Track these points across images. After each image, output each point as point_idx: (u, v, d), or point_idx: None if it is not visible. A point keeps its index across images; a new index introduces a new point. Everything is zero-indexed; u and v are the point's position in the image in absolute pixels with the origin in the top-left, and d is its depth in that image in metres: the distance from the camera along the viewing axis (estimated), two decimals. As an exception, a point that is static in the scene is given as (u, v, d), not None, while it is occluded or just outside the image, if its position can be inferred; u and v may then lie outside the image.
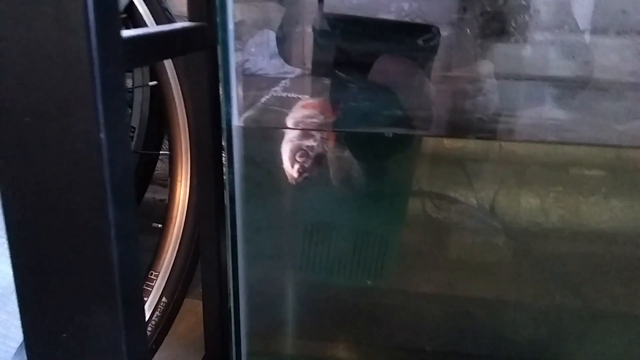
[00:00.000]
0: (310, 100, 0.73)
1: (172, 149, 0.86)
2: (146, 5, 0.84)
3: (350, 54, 0.74)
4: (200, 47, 0.62)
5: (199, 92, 0.66)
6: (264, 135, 0.71)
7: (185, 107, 0.84)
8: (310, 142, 0.63)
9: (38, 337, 0.40)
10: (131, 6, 0.84)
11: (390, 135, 0.67)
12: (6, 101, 0.34)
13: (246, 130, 0.63)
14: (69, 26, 0.32)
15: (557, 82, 0.78)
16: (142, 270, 0.83)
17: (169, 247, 0.85)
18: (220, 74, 0.58)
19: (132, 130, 1.04)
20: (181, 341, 0.97)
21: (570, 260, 0.77)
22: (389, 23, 0.75)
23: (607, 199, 0.73)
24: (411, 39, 0.72)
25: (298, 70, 0.81)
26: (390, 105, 0.74)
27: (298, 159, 0.61)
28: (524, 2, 0.72)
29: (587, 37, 0.74)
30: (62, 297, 0.39)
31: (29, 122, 0.35)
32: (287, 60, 0.81)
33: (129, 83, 1.03)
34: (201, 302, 0.76)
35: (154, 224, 0.90)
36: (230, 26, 0.55)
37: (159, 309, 0.84)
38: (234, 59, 0.57)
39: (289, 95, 0.76)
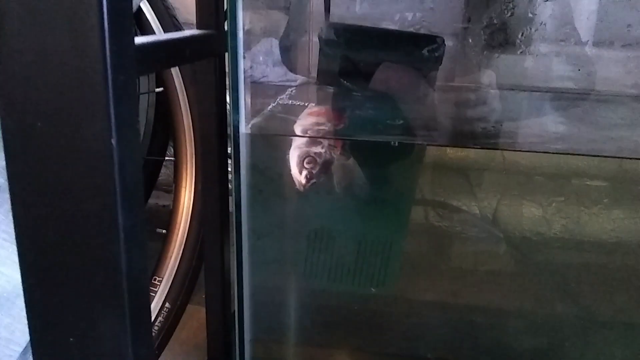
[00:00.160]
0: (317, 108, 0.73)
1: (177, 155, 0.86)
2: (154, 12, 0.84)
3: (355, 63, 0.74)
4: (209, 54, 0.63)
5: (206, 99, 0.66)
6: (271, 143, 0.72)
7: (190, 113, 0.84)
8: (317, 149, 0.63)
9: (45, 342, 0.41)
10: (139, 13, 0.84)
11: (396, 144, 0.67)
12: (19, 106, 0.35)
13: (253, 137, 0.63)
14: (83, 33, 0.33)
15: (560, 93, 0.78)
16: (149, 275, 0.83)
17: (172, 252, 0.85)
18: (229, 81, 0.58)
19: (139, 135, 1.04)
20: (184, 347, 0.97)
21: (572, 270, 0.77)
22: (395, 33, 0.75)
23: (610, 210, 0.74)
24: (416, 49, 0.73)
25: (301, 78, 0.82)
26: (394, 113, 0.75)
27: (306, 165, 0.62)
28: (530, 15, 0.73)
29: (591, 49, 0.75)
30: (69, 301, 0.39)
31: (41, 127, 0.35)
32: (290, 68, 0.81)
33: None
34: (203, 309, 0.76)
35: (158, 230, 0.90)
36: (240, 34, 0.56)
37: (162, 315, 0.84)
38: (242, 66, 0.58)
39: (295, 102, 0.76)
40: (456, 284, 0.80)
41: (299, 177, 0.62)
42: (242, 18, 0.57)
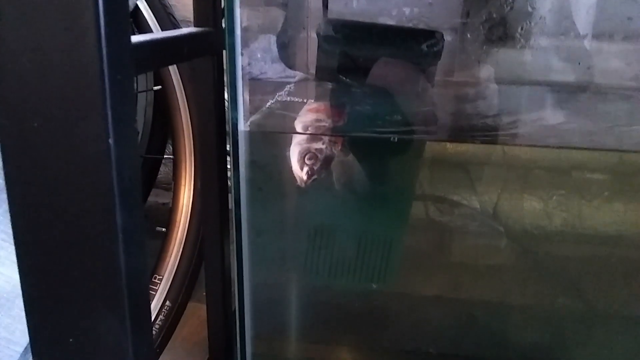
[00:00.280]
0: (316, 105, 0.73)
1: (175, 153, 0.86)
2: (151, 10, 0.84)
3: (354, 59, 0.74)
4: (207, 52, 0.63)
5: (204, 97, 0.66)
6: (269, 140, 0.72)
7: (189, 111, 0.84)
8: (318, 145, 0.63)
9: (45, 342, 0.40)
10: (136, 11, 0.84)
11: (395, 139, 0.67)
12: (16, 106, 0.35)
13: (252, 135, 0.63)
14: (80, 32, 0.33)
15: (560, 86, 0.78)
16: (148, 274, 0.83)
17: (172, 251, 0.85)
18: (227, 79, 0.58)
19: (136, 134, 1.04)
20: (185, 345, 0.97)
21: (573, 263, 0.77)
22: (393, 29, 0.75)
23: (611, 203, 0.73)
24: (415, 44, 0.73)
25: (299, 74, 0.81)
26: (393, 109, 0.74)
27: (307, 161, 0.62)
28: (529, 9, 0.72)
29: (591, 43, 0.74)
30: (68, 301, 0.39)
31: (38, 127, 0.35)
32: (288, 64, 0.81)
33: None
34: (204, 306, 0.76)
35: (158, 228, 0.90)
36: (238, 31, 0.55)
37: (162, 313, 0.84)
38: (240, 63, 0.57)
39: (293, 99, 0.76)
40: (457, 278, 0.80)
41: (300, 173, 0.62)
42: (239, 15, 0.56)
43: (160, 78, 0.86)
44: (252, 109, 0.65)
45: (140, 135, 1.05)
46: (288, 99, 0.76)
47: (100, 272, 0.38)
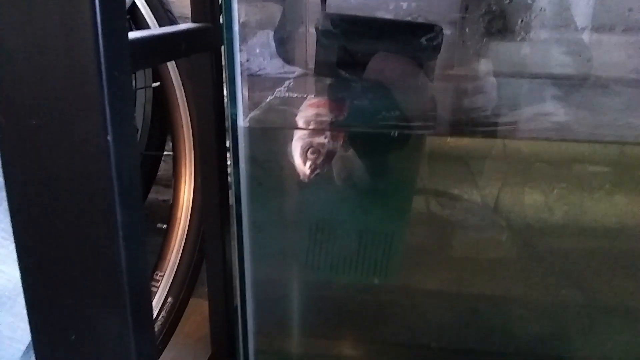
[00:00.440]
0: (316, 99, 0.73)
1: (175, 149, 0.86)
2: (148, 6, 0.84)
3: (353, 53, 0.74)
4: (205, 48, 0.63)
5: (203, 93, 0.66)
6: (269, 135, 0.71)
7: (188, 107, 0.84)
8: (320, 139, 0.63)
9: (46, 339, 0.41)
10: (133, 8, 0.84)
11: (395, 134, 0.67)
12: (13, 104, 0.34)
13: (251, 131, 0.63)
14: (77, 29, 0.33)
15: (561, 79, 0.78)
16: (149, 271, 0.83)
17: (173, 247, 0.85)
18: (226, 75, 0.58)
19: (135, 131, 1.04)
20: (187, 340, 0.98)
21: (575, 256, 0.77)
22: (392, 22, 0.75)
23: (612, 195, 0.73)
24: (414, 38, 0.72)
25: (298, 70, 0.81)
26: (392, 103, 0.74)
27: (310, 156, 0.61)
28: (528, 1, 0.72)
29: (591, 35, 0.74)
30: (70, 298, 0.39)
31: (36, 125, 0.35)
32: (286, 60, 0.81)
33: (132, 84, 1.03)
34: (206, 302, 0.76)
35: (159, 225, 0.90)
36: (236, 27, 0.55)
37: (164, 309, 0.84)
38: (239, 59, 0.57)
39: (292, 95, 0.76)
40: (459, 272, 0.80)
41: (303, 168, 0.62)
42: (237, 10, 0.56)
43: (159, 74, 0.86)
44: (251, 105, 0.65)
45: (139, 132, 1.05)
46: (287, 94, 0.76)
47: (101, 269, 0.38)
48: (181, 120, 0.84)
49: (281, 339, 0.82)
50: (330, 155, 0.64)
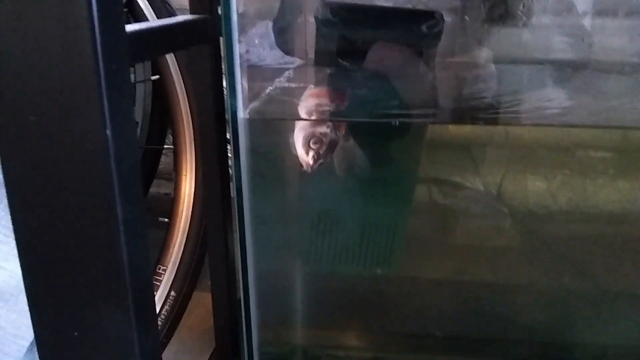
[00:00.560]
0: (317, 89, 0.72)
1: (176, 142, 0.86)
2: (146, -1, 0.83)
3: (353, 42, 0.73)
4: (203, 39, 0.62)
5: (203, 85, 0.65)
6: (270, 127, 0.71)
7: (188, 100, 0.84)
8: (323, 129, 0.62)
9: (49, 335, 0.40)
10: (131, 1, 0.83)
11: (397, 123, 0.67)
12: (10, 99, 0.34)
13: (251, 122, 0.62)
14: (73, 22, 0.32)
15: (564, 64, 0.77)
16: (151, 265, 0.83)
17: (176, 241, 0.85)
18: (225, 66, 0.58)
19: (135, 125, 1.03)
20: (191, 334, 0.98)
21: (579, 243, 0.77)
22: (392, 10, 0.74)
23: (615, 181, 0.73)
24: (415, 25, 0.72)
25: (298, 61, 0.81)
26: (393, 92, 0.74)
27: (312, 145, 0.61)
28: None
29: (594, 19, 0.73)
30: (72, 294, 0.39)
31: (33, 121, 0.34)
32: (286, 50, 0.80)
33: (131, 78, 1.02)
34: (209, 294, 0.76)
35: (161, 218, 0.90)
36: (234, 18, 0.55)
37: (168, 303, 0.84)
38: (238, 50, 0.57)
39: (292, 85, 0.75)
40: (462, 260, 0.80)
41: (306, 158, 0.61)
42: (235, 1, 0.56)
43: (158, 67, 0.85)
44: (251, 96, 0.65)
45: (139, 126, 1.05)
46: (287, 85, 0.75)
47: (103, 264, 0.37)
48: (181, 113, 0.84)
49: (285, 330, 0.82)
50: (332, 145, 0.63)
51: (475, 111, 0.73)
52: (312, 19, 0.76)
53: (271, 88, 0.73)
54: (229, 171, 0.70)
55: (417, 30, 0.72)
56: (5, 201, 0.58)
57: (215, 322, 0.77)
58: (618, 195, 0.74)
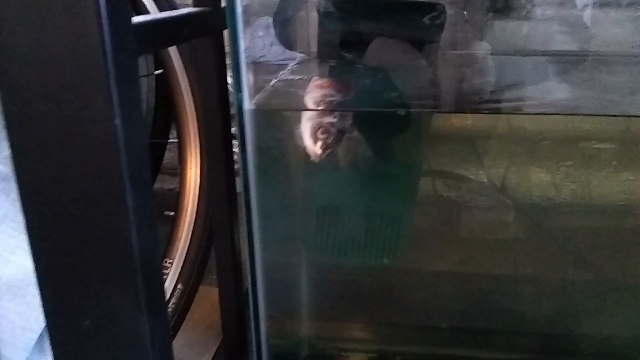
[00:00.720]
0: (322, 80, 0.72)
1: (181, 136, 0.86)
2: (149, -7, 0.83)
3: (356, 34, 0.74)
4: (208, 32, 0.62)
5: (207, 78, 0.66)
6: (276, 118, 0.71)
7: (192, 93, 0.84)
8: (330, 119, 0.63)
9: (60, 325, 0.41)
10: (134, -5, 0.83)
11: (403, 113, 0.67)
12: (19, 90, 0.34)
13: (257, 113, 0.62)
14: (81, 13, 0.32)
15: (566, 56, 0.78)
16: (160, 255, 0.83)
17: (182, 234, 0.85)
18: (230, 59, 0.58)
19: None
20: (197, 328, 0.98)
21: (583, 234, 0.77)
22: (395, 2, 0.74)
23: (619, 172, 0.73)
24: (417, 17, 0.72)
25: (299, 56, 0.81)
26: (395, 85, 0.74)
27: (320, 135, 0.61)
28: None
29: (597, 10, 0.74)
30: (83, 285, 0.39)
31: (43, 111, 0.35)
32: (287, 45, 0.80)
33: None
34: (215, 289, 0.77)
35: (166, 212, 0.90)
36: (239, 10, 0.55)
37: (174, 296, 0.84)
38: (243, 43, 0.57)
39: (295, 77, 0.76)
40: (466, 252, 0.80)
41: (314, 147, 0.62)
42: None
43: (161, 62, 0.85)
44: (257, 89, 0.65)
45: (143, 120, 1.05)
46: (291, 77, 0.75)
47: (113, 253, 0.38)
48: (185, 106, 0.84)
49: (292, 323, 0.83)
50: (340, 134, 0.64)
51: (478, 102, 0.73)
52: (313, 12, 0.76)
53: (275, 80, 0.73)
54: (234, 164, 0.71)
55: (419, 22, 0.72)
56: (12, 195, 0.59)
57: (222, 315, 0.77)
58: (622, 187, 0.74)
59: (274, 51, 0.78)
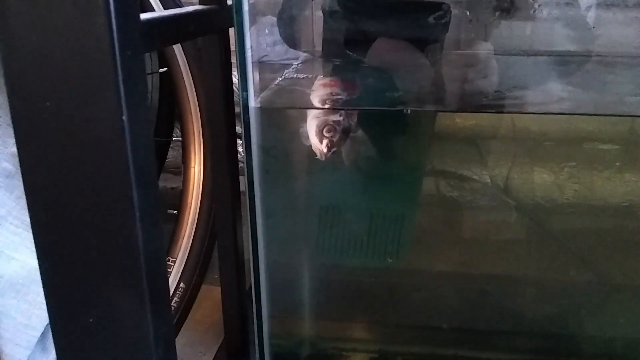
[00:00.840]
0: (327, 79, 0.72)
1: (184, 135, 0.86)
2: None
3: (361, 33, 0.73)
4: (213, 30, 0.62)
5: (212, 76, 0.66)
6: (280, 116, 0.71)
7: (196, 92, 0.84)
8: (336, 117, 0.62)
9: (64, 321, 0.41)
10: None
11: (408, 111, 0.67)
12: (26, 86, 0.34)
13: (262, 112, 0.62)
14: (89, 9, 0.32)
15: (571, 56, 0.77)
16: (165, 252, 0.83)
17: (185, 232, 0.85)
18: (237, 57, 0.58)
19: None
20: (199, 327, 0.98)
21: (586, 235, 0.77)
22: (400, 2, 0.74)
23: (623, 172, 0.73)
24: (422, 16, 0.72)
25: (302, 55, 0.81)
26: (399, 85, 0.74)
27: (326, 134, 0.61)
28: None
29: (603, 11, 0.73)
30: (87, 280, 0.39)
31: (50, 107, 0.35)
32: (291, 44, 0.80)
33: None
34: (217, 288, 0.76)
35: (169, 211, 0.90)
36: (245, 8, 0.55)
37: (177, 295, 0.84)
38: (249, 41, 0.57)
39: (300, 76, 0.76)
40: (469, 253, 0.80)
41: (320, 146, 0.62)
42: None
43: (166, 60, 0.85)
44: (262, 87, 0.65)
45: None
46: (296, 75, 0.75)
47: (118, 250, 0.38)
48: (189, 105, 0.84)
49: (294, 322, 0.82)
50: (346, 133, 0.64)
51: (483, 102, 0.73)
52: (318, 11, 0.76)
53: (280, 79, 0.73)
54: (238, 162, 0.71)
55: (424, 21, 0.72)
56: (16, 192, 0.59)
57: (224, 314, 0.77)
58: (626, 188, 0.74)
59: (278, 50, 0.77)
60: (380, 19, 0.73)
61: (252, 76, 0.59)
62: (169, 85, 0.88)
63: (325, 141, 0.61)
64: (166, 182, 1.21)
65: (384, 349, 0.83)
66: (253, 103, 0.60)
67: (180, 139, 0.88)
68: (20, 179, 0.37)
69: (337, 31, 0.74)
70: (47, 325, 0.67)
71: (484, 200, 0.77)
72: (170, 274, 0.84)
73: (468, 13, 0.75)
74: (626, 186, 0.73)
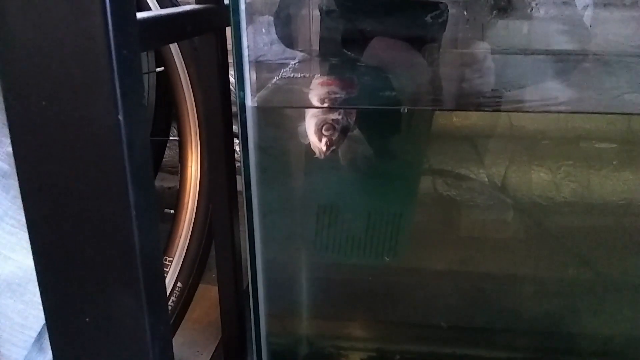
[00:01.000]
0: (325, 78, 0.72)
1: (181, 134, 0.86)
2: (151, -10, 0.83)
3: (358, 33, 0.73)
4: (210, 28, 0.62)
5: (208, 75, 0.66)
6: (277, 115, 0.71)
7: (193, 91, 0.83)
8: (334, 116, 0.63)
9: (60, 321, 0.40)
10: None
11: (405, 110, 0.67)
12: (22, 85, 0.34)
13: (259, 111, 0.62)
14: (85, 8, 0.32)
15: (569, 55, 0.77)
16: (161, 252, 0.83)
17: (181, 232, 0.85)
18: (234, 56, 0.57)
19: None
20: (196, 326, 0.98)
21: (583, 234, 0.77)
22: (397, 1, 0.74)
23: (619, 171, 0.73)
24: (419, 16, 0.72)
25: (299, 55, 0.80)
26: (396, 84, 0.74)
27: (325, 132, 0.61)
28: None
29: (600, 10, 0.73)
30: (83, 279, 0.39)
31: (46, 106, 0.35)
32: (288, 44, 0.80)
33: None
34: (214, 287, 0.76)
35: (166, 210, 0.90)
36: (242, 7, 0.55)
37: (174, 294, 0.84)
38: (246, 40, 0.57)
39: (297, 75, 0.75)
40: (466, 251, 0.80)
41: (319, 144, 0.62)
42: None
43: (163, 59, 0.85)
44: (258, 87, 0.65)
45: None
46: (293, 74, 0.75)
47: (114, 249, 0.37)
48: (186, 104, 0.84)
49: (292, 321, 0.82)
50: (344, 131, 0.64)
51: (480, 101, 0.73)
52: (315, 11, 0.76)
53: (277, 78, 0.73)
54: (234, 161, 0.70)
55: (421, 20, 0.72)
56: (12, 192, 0.58)
57: (221, 313, 0.77)
58: (623, 186, 0.74)
59: (275, 50, 0.77)
60: (378, 18, 0.73)
61: (249, 75, 0.59)
62: (166, 84, 0.88)
63: (324, 140, 0.61)
64: (163, 181, 1.21)
65: (381, 348, 0.83)
66: (250, 102, 0.60)
67: (177, 138, 0.88)
68: (16, 178, 0.36)
69: (334, 30, 0.73)
70: (43, 325, 0.67)
71: (481, 198, 0.77)
72: (167, 274, 0.84)
73: (465, 12, 0.75)
74: (623, 184, 0.73)
